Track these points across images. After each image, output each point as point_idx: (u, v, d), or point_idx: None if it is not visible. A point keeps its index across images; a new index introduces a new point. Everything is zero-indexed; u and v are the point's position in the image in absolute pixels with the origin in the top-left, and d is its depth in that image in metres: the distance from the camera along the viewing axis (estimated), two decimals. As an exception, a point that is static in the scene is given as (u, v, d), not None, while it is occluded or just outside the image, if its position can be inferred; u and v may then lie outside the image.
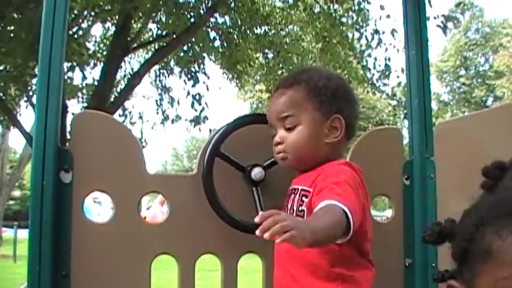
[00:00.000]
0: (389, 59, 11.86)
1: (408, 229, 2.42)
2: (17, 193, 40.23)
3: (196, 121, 12.07)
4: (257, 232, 1.26)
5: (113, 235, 2.10)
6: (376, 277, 2.35)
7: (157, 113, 13.59)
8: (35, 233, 1.94)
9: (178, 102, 13.35)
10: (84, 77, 10.33)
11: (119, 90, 11.73)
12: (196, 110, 12.05)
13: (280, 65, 12.49)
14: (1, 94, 10.45)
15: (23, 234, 20.39)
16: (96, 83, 10.70)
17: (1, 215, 23.89)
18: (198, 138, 48.95)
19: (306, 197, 1.75)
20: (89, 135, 2.11)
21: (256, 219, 1.27)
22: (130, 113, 13.10)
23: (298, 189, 1.81)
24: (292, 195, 1.83)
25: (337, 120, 1.82)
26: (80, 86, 10.87)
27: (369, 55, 12.25)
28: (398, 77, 12.43)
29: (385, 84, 12.95)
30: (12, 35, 9.15)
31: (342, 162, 1.84)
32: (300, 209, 1.76)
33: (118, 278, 2.10)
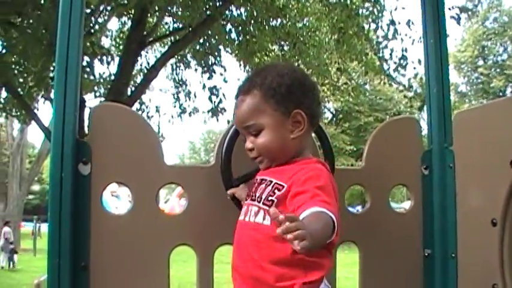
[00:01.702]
0: (405, 50, 11.76)
1: (427, 219, 2.40)
2: (36, 187, 40.64)
3: (214, 113, 12.08)
4: (279, 230, 1.37)
5: (132, 226, 2.11)
6: (396, 267, 2.36)
7: (175, 106, 13.61)
8: (55, 225, 1.96)
9: (195, 95, 13.37)
10: (93, 74, 10.35)
11: (135, 84, 11.78)
12: (213, 102, 12.06)
13: (296, 57, 12.43)
14: (19, 90, 10.55)
15: (43, 228, 20.62)
16: (113, 77, 10.74)
17: (21, 209, 24.11)
18: (215, 132, 49.08)
19: (279, 190, 1.77)
20: (107, 127, 2.12)
21: (281, 217, 1.37)
22: (147, 106, 13.15)
23: (270, 181, 1.82)
24: (262, 185, 1.84)
25: (298, 115, 1.83)
26: (97, 80, 10.91)
27: (386, 46, 12.15)
28: (415, 68, 12.33)
29: (402, 75, 12.85)
30: (29, 31, 9.21)
31: (315, 160, 1.87)
32: (270, 199, 1.77)
33: (137, 269, 2.11)
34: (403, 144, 2.43)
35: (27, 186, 24.93)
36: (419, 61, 11.58)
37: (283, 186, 1.75)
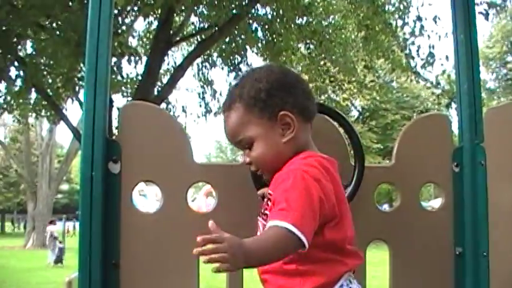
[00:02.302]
0: (432, 47, 11.65)
1: (458, 217, 2.37)
2: (64, 187, 41.22)
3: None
4: (194, 251, 1.42)
5: (162, 224, 2.12)
6: (426, 266, 2.33)
7: (200, 105, 13.67)
8: (85, 223, 1.97)
9: (220, 94, 13.40)
10: (120, 74, 10.43)
11: (162, 83, 11.85)
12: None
13: (323, 55, 12.40)
14: (48, 90, 10.69)
15: (71, 226, 20.88)
16: (140, 77, 10.82)
17: (50, 208, 24.45)
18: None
19: (270, 200, 1.72)
20: (136, 125, 2.13)
21: (199, 239, 1.41)
22: (173, 106, 13.22)
23: (268, 192, 1.78)
24: (266, 198, 1.81)
25: (285, 116, 1.75)
26: (124, 80, 11.01)
27: (413, 43, 12.05)
28: (442, 64, 12.21)
29: (429, 72, 12.73)
30: (58, 33, 9.34)
31: (302, 156, 1.76)
32: (265, 212, 1.74)
33: (166, 267, 2.11)
34: (433, 142, 2.40)
35: (56, 186, 25.28)
36: (447, 57, 11.49)
37: (271, 194, 1.71)
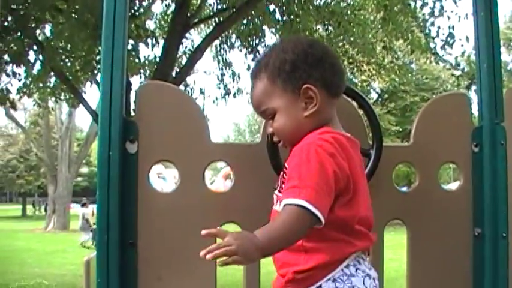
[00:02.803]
0: (452, 27, 11.50)
1: (477, 197, 2.35)
2: (84, 170, 41.62)
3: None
4: (201, 253, 1.41)
5: (179, 204, 2.13)
6: (445, 246, 2.32)
7: (219, 87, 13.66)
8: (103, 203, 1.98)
9: (239, 76, 13.38)
10: (138, 57, 10.45)
11: (180, 66, 11.84)
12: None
13: (341, 37, 12.31)
14: (67, 74, 10.75)
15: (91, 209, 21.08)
16: (157, 59, 10.82)
17: (70, 191, 24.70)
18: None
19: (285, 173, 1.70)
20: (154, 105, 2.13)
21: (203, 232, 1.44)
22: (192, 88, 13.22)
23: (284, 165, 1.77)
24: (282, 172, 1.79)
25: (308, 90, 1.72)
26: (142, 63, 11.02)
27: (432, 24, 11.90)
28: (462, 45, 12.05)
29: (449, 54, 12.58)
30: (75, 16, 9.36)
31: (320, 131, 1.72)
32: (283, 186, 1.71)
33: (184, 246, 2.12)
34: (452, 121, 2.37)
35: (75, 169, 25.53)
36: (467, 38, 11.33)
37: (287, 168, 1.69)
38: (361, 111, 2.27)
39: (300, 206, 1.49)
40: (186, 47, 13.10)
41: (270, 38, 12.83)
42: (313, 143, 1.63)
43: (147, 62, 11.22)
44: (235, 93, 13.42)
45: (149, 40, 10.50)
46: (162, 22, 13.13)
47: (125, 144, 2.05)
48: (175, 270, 2.13)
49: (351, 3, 12.80)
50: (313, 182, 1.54)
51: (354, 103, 2.25)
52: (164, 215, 2.12)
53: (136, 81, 11.42)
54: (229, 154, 2.19)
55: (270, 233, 1.49)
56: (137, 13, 10.16)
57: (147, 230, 2.09)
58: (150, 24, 12.55)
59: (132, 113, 2.16)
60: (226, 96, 13.49)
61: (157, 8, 16.07)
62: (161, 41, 11.08)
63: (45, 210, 30.07)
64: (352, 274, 1.64)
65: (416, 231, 2.34)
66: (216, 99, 13.73)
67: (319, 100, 1.72)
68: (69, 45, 10.37)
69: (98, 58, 9.73)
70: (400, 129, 28.05)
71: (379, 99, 31.62)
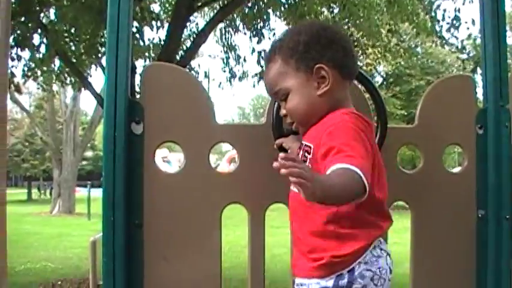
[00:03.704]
0: (458, 10, 11.41)
1: (481, 180, 2.36)
2: (89, 154, 41.71)
3: (262, 77, 12.00)
4: (274, 164, 1.31)
5: (184, 185, 2.14)
6: (448, 228, 2.33)
7: (224, 71, 13.61)
8: (109, 184, 2.00)
9: (244, 59, 13.33)
10: (142, 40, 10.40)
11: (184, 49, 11.80)
12: (262, 66, 11.99)
13: (346, 20, 12.23)
14: (71, 57, 10.73)
15: (96, 193, 21.17)
16: (162, 42, 10.79)
17: (75, 174, 24.76)
18: (264, 97, 49.16)
19: (309, 153, 1.71)
20: (159, 86, 2.14)
21: (281, 155, 1.33)
22: (196, 72, 13.19)
23: (303, 144, 1.78)
24: (300, 150, 1.79)
25: (321, 70, 1.75)
26: (147, 46, 10.98)
27: (438, 7, 11.81)
28: (468, 28, 11.96)
29: (455, 37, 12.49)
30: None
31: (343, 111, 1.74)
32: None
33: (189, 226, 2.14)
34: (457, 103, 2.37)
35: (80, 153, 25.54)
36: (473, 22, 11.25)
37: (311, 148, 1.71)
38: (367, 95, 2.28)
39: (355, 171, 1.47)
40: (190, 30, 13.06)
41: (275, 21, 12.80)
42: (347, 121, 1.66)
43: (151, 45, 11.18)
44: (240, 77, 13.38)
45: (154, 23, 10.45)
46: (167, 5, 13.07)
47: (130, 125, 2.07)
48: (181, 250, 2.15)
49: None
50: (362, 156, 1.54)
51: (359, 85, 2.25)
52: (169, 196, 2.13)
53: (141, 64, 11.41)
54: (234, 135, 2.20)
55: (329, 181, 1.45)
56: (141, -4, 10.11)
57: (152, 210, 2.10)
58: (155, 7, 12.50)
59: (138, 91, 2.17)
60: (231, 80, 13.46)
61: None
62: (166, 24, 11.03)
63: (51, 194, 30.18)
64: (379, 255, 1.69)
65: (420, 212, 2.35)
66: (221, 83, 13.70)
67: (331, 80, 1.75)
68: (73, 29, 10.34)
69: (102, 41, 9.72)
70: (405, 113, 27.95)
71: (384, 82, 31.47)
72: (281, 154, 1.35)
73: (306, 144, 1.74)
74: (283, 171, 1.30)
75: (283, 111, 1.85)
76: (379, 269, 1.67)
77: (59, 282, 7.58)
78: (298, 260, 1.77)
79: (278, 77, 1.81)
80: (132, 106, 2.07)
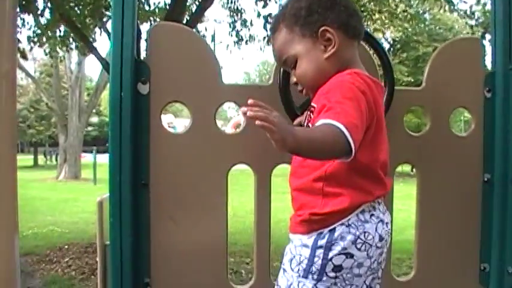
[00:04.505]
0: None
1: (488, 143, 2.36)
2: (94, 119, 41.75)
3: (269, 40, 11.91)
4: (242, 109, 1.36)
5: (190, 145, 2.15)
6: (454, 191, 2.33)
7: (231, 35, 13.51)
8: (115, 144, 2.01)
9: (251, 23, 13.22)
10: (148, 4, 10.32)
11: (190, 13, 11.71)
12: (268, 30, 11.88)
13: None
14: (76, 22, 10.67)
15: (102, 158, 21.26)
16: (168, 7, 10.71)
17: (81, 140, 24.82)
18: (270, 63, 48.91)
19: (312, 113, 1.71)
20: (165, 46, 2.12)
21: (250, 101, 1.37)
22: (203, 35, 13.09)
23: (310, 106, 1.77)
24: (308, 112, 1.79)
25: (326, 32, 1.73)
26: (152, 10, 10.91)
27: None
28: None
29: (464, 2, 12.34)
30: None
31: (348, 72, 1.72)
32: (309, 125, 1.72)
33: (195, 186, 2.15)
34: (465, 66, 2.35)
35: (86, 118, 25.54)
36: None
37: (315, 108, 1.69)
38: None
39: (338, 128, 1.45)
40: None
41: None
42: (346, 81, 1.65)
43: (157, 9, 11.10)
44: (247, 41, 13.28)
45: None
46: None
47: (136, 86, 2.06)
48: (188, 210, 2.16)
49: None
50: (351, 114, 1.52)
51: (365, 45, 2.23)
52: (176, 156, 2.14)
53: (146, 28, 11.34)
54: (241, 95, 2.18)
55: (306, 132, 1.48)
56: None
57: (159, 170, 2.11)
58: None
59: (144, 52, 2.16)
60: (238, 43, 13.36)
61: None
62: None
63: (57, 159, 30.30)
64: (366, 220, 1.66)
65: (426, 174, 2.35)
66: (228, 46, 13.60)
67: (337, 42, 1.74)
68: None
69: (107, 4, 9.63)
70: (412, 80, 27.81)
71: (391, 49, 31.22)
72: (250, 100, 1.38)
73: (311, 105, 1.74)
74: (249, 113, 1.33)
75: (293, 79, 1.85)
76: (364, 234, 1.64)
77: (66, 246, 7.63)
78: (291, 216, 1.78)
79: (285, 46, 1.80)
80: (138, 66, 2.06)
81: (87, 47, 11.23)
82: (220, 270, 2.21)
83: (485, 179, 2.36)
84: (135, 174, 2.05)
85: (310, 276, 1.64)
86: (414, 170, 2.40)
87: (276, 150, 1.36)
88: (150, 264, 2.15)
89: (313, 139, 1.43)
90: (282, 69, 2.07)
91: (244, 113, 1.34)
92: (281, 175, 2.26)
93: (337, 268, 1.62)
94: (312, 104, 1.74)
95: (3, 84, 1.55)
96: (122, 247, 2.04)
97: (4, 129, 1.55)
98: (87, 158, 28.59)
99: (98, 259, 2.16)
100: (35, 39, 11.72)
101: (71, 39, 12.14)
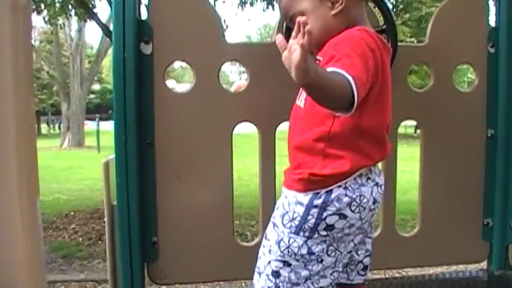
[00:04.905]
0: None
1: (492, 99, 2.36)
2: (96, 87, 41.59)
3: (269, 1, 11.79)
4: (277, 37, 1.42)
5: (195, 104, 2.15)
6: (457, 146, 2.34)
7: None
8: (120, 105, 2.01)
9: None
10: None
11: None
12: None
13: None
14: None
15: (105, 126, 21.28)
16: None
17: (83, 108, 24.81)
18: (271, 26, 48.53)
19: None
20: (168, 5, 2.11)
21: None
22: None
23: (316, 59, 1.73)
24: None
25: None
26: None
27: None
28: None
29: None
30: None
31: (357, 28, 1.71)
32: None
33: (200, 145, 2.17)
34: (469, 21, 2.33)
35: (88, 86, 25.49)
36: None
37: (320, 61, 1.67)
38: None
39: (348, 79, 1.44)
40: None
41: None
42: (355, 36, 1.64)
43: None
44: (252, 2, 13.13)
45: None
46: None
47: (139, 46, 2.06)
48: (193, 169, 2.17)
49: None
50: (359, 68, 1.50)
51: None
52: (180, 115, 2.14)
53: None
54: (244, 53, 2.19)
55: (325, 71, 1.44)
56: None
57: (164, 130, 2.12)
58: None
59: (146, 12, 2.14)
60: (242, 5, 13.22)
61: None
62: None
63: (60, 128, 30.33)
64: (363, 184, 1.66)
65: (430, 130, 2.36)
66: (232, 5, 13.45)
67: None
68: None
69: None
70: (415, 41, 27.63)
71: (394, 9, 30.91)
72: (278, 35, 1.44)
73: (317, 58, 1.73)
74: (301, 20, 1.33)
75: None
76: (359, 197, 1.65)
77: (72, 213, 7.69)
78: (287, 171, 1.78)
79: (292, 2, 1.79)
80: (141, 26, 2.05)
81: (87, 13, 11.13)
82: (227, 227, 2.24)
83: (489, 135, 2.37)
84: (140, 134, 2.06)
85: (301, 233, 1.65)
86: (418, 131, 2.40)
87: (294, 79, 1.34)
88: (157, 223, 2.17)
89: (329, 79, 1.42)
90: (284, 27, 2.06)
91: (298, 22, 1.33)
92: (285, 139, 2.27)
93: (330, 227, 1.64)
94: (317, 57, 1.73)
95: (20, 17, 1.52)
96: (129, 207, 2.07)
97: (21, 62, 1.51)
98: (90, 125, 28.55)
99: (105, 219, 2.18)
100: (34, 7, 11.60)
101: (70, 6, 12.04)
